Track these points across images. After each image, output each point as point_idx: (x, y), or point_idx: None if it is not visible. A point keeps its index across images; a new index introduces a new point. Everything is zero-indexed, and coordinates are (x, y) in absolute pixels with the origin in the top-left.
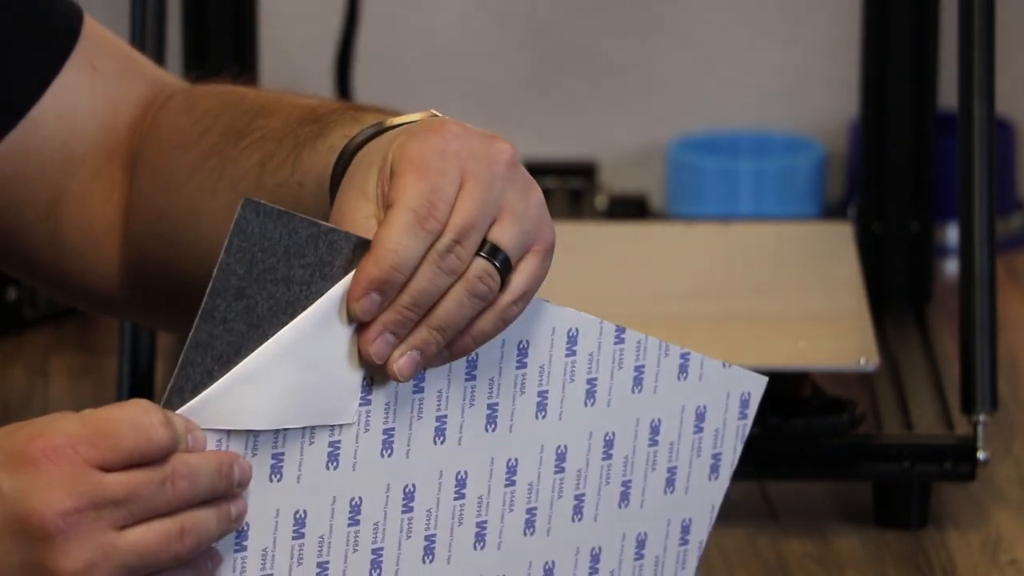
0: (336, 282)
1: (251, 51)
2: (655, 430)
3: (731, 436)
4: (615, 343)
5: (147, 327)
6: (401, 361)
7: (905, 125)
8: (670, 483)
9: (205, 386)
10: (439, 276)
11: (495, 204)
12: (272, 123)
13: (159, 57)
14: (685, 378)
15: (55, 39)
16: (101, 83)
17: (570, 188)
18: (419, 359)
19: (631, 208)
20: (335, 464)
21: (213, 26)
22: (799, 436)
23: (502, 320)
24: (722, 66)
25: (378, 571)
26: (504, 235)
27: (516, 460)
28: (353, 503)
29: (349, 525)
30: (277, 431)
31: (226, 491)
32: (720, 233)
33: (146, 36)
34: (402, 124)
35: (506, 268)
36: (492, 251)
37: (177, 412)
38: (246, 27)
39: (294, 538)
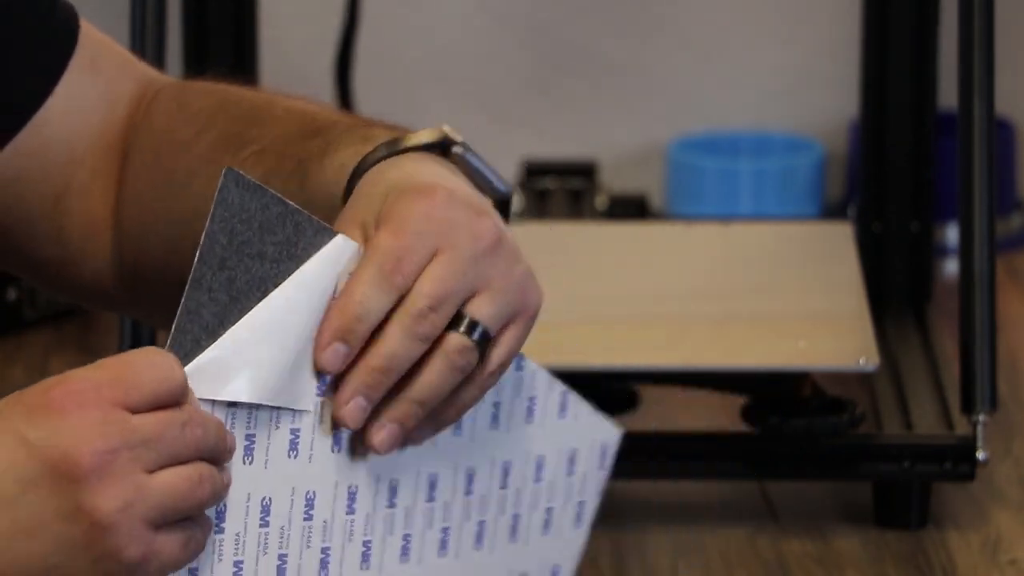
0: (300, 264)
1: (251, 51)
2: (540, 466)
3: (593, 485)
4: (516, 369)
5: (147, 323)
6: (381, 434)
7: (905, 125)
8: (547, 524)
9: (195, 355)
10: (411, 341)
11: (473, 277)
12: (271, 132)
13: (159, 57)
14: (564, 417)
15: (56, 40)
16: (102, 82)
17: (570, 188)
18: (399, 432)
19: (631, 208)
20: (295, 453)
21: (213, 26)
22: (799, 436)
23: (482, 390)
24: (722, 66)
25: (325, 572)
26: (483, 310)
27: (436, 476)
28: (308, 496)
29: (304, 519)
30: (250, 411)
31: (227, 451)
32: (720, 233)
33: (146, 36)
34: (416, 145)
35: (484, 342)
36: (471, 326)
37: None
38: (246, 27)
39: (261, 526)
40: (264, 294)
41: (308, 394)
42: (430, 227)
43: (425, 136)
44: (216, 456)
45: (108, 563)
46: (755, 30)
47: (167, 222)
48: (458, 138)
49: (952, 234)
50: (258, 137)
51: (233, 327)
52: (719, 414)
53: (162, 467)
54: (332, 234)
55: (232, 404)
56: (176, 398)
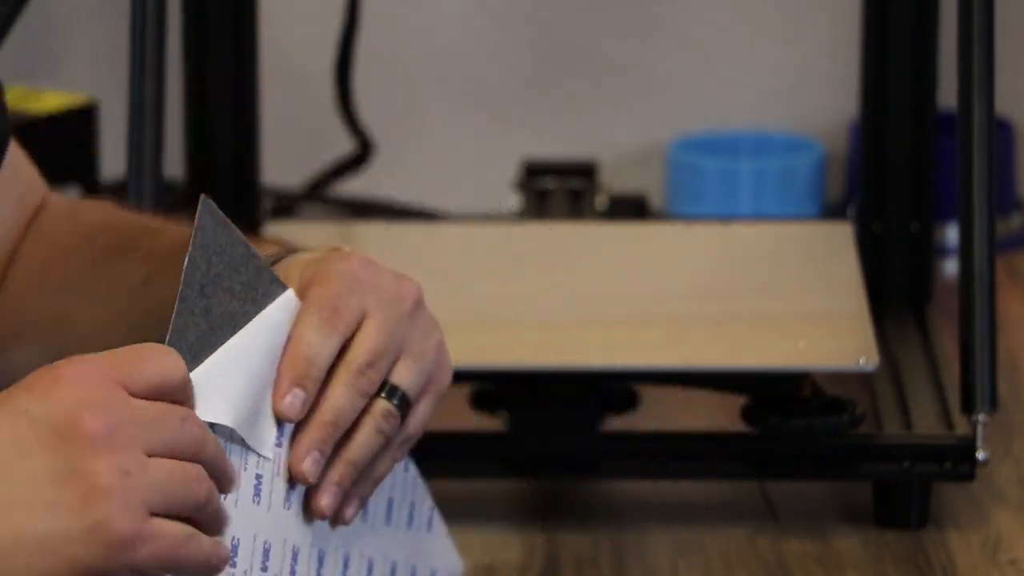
0: (260, 310)
1: (251, 51)
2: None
3: None
4: (404, 470)
5: None
6: (327, 497)
7: (905, 125)
8: None
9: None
10: (354, 396)
11: (399, 340)
12: (157, 242)
13: (159, 57)
14: (431, 533)
15: None
16: (19, 186)
17: (570, 188)
18: (340, 495)
19: (631, 208)
20: (258, 499)
21: (213, 26)
22: (799, 436)
23: (393, 460)
24: (722, 66)
25: None
26: (405, 376)
27: (349, 557)
28: (265, 547)
29: (261, 570)
30: (225, 445)
31: (228, 477)
32: (720, 233)
33: (146, 36)
34: (306, 252)
35: (404, 409)
36: (392, 391)
37: None
38: (246, 27)
39: (231, 567)
40: (235, 330)
41: (268, 442)
42: (357, 285)
43: (317, 253)
44: (216, 471)
45: (100, 534)
46: (755, 30)
47: (44, 325)
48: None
49: (952, 234)
50: (146, 245)
51: (211, 355)
52: (719, 414)
53: (161, 456)
54: (283, 287)
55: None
56: (178, 394)
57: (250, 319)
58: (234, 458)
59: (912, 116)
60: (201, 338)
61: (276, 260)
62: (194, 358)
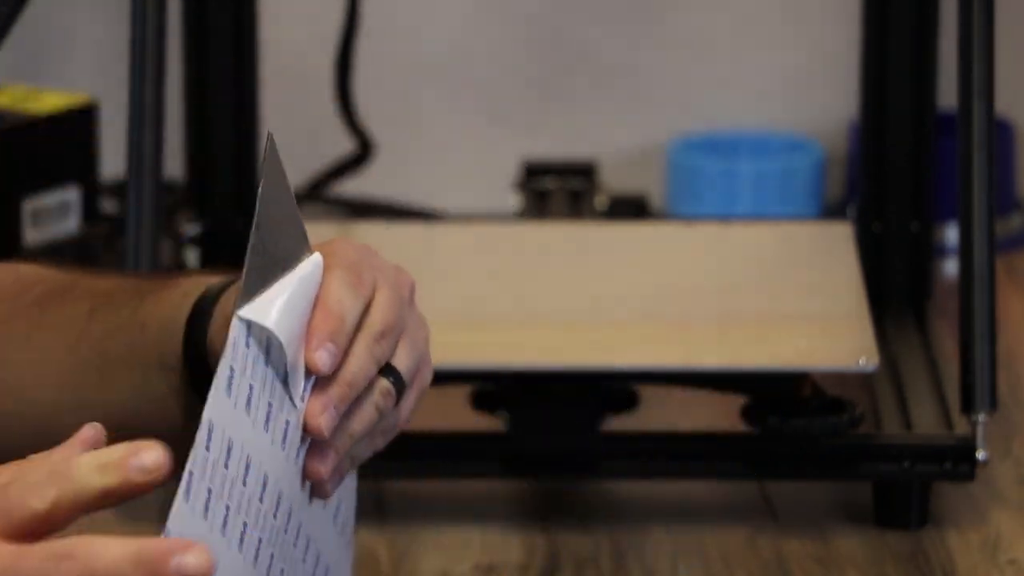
0: (299, 263)
1: (251, 51)
2: None
3: None
4: (350, 479)
5: None
6: (327, 463)
7: (905, 125)
8: None
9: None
10: (371, 361)
11: (403, 322)
12: (98, 284)
13: (159, 57)
14: (348, 549)
15: None
16: None
17: (570, 188)
18: (335, 461)
19: (631, 208)
20: (284, 446)
21: (213, 26)
22: (799, 436)
23: (373, 448)
24: (722, 66)
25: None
26: (402, 360)
27: (310, 535)
28: (274, 490)
29: (258, 501)
30: (271, 385)
31: None
32: (720, 233)
33: (146, 36)
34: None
35: (399, 392)
36: (389, 370)
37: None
38: (246, 27)
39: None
40: (284, 273)
41: (299, 392)
42: (369, 260)
43: None
44: None
45: None
46: (755, 30)
47: None
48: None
49: (952, 234)
50: (84, 287)
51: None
52: (719, 414)
53: None
54: (311, 249)
55: (266, 363)
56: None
57: (292, 269)
58: (274, 399)
59: (912, 116)
60: (263, 266)
61: (230, 283)
62: (262, 285)
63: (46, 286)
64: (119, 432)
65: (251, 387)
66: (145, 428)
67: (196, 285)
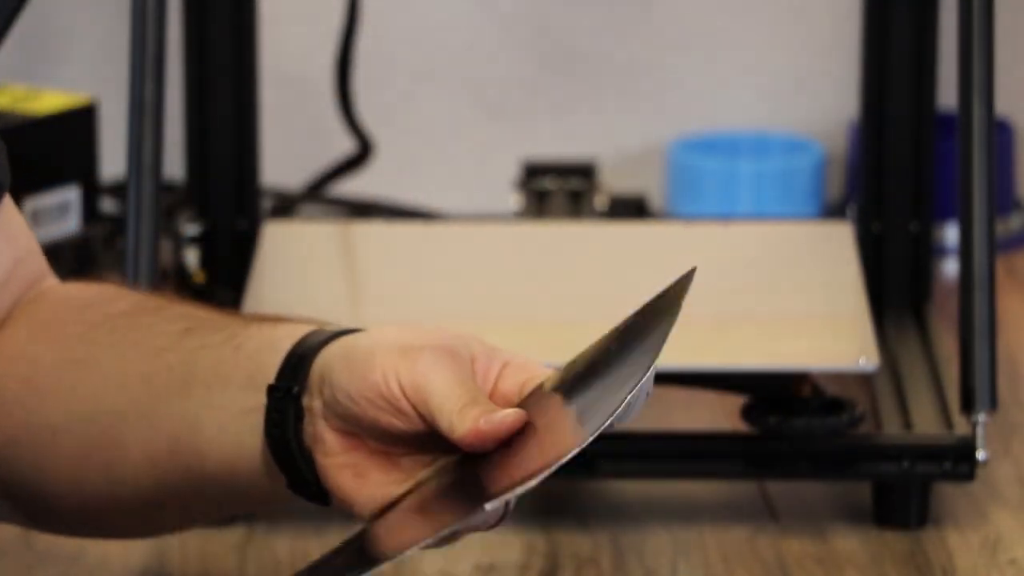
0: None
1: (251, 51)
2: None
3: None
4: None
5: None
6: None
7: (905, 125)
8: None
9: None
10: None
11: None
12: (197, 310)
13: (159, 57)
14: None
15: None
16: (15, 251)
17: (570, 188)
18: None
19: (631, 208)
20: None
21: (213, 26)
22: (799, 436)
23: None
24: (722, 66)
25: None
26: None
27: None
28: None
29: None
30: None
31: None
32: (720, 233)
33: (146, 36)
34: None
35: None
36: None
37: None
38: (246, 27)
39: None
40: None
41: None
42: None
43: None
44: None
45: None
46: (755, 30)
47: (42, 368)
48: None
49: (952, 234)
50: (179, 309)
51: None
52: (719, 414)
53: None
54: None
55: None
56: None
57: None
58: None
59: (912, 116)
60: None
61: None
62: None
63: (134, 301)
64: (165, 457)
65: None
66: (199, 450)
67: (301, 327)
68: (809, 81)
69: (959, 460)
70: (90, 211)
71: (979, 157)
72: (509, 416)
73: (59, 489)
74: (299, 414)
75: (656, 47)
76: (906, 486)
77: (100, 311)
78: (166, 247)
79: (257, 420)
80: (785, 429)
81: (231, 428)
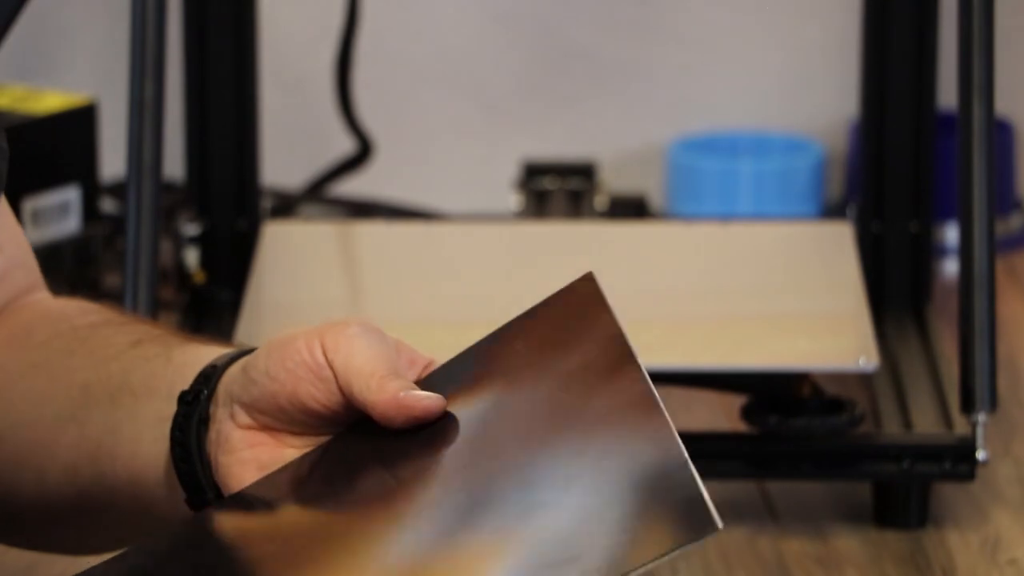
0: None
1: (251, 51)
2: None
3: None
4: None
5: None
6: None
7: (905, 125)
8: None
9: None
10: None
11: None
12: (159, 328)
13: (159, 57)
14: None
15: None
16: (1, 263)
17: (570, 188)
18: None
19: (631, 208)
20: None
21: (213, 26)
22: (799, 436)
23: None
24: (722, 66)
25: None
26: None
27: None
28: None
29: None
30: None
31: None
32: (720, 233)
33: (146, 36)
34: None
35: None
36: None
37: None
38: (246, 27)
39: None
40: None
41: None
42: None
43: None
44: None
45: None
46: (755, 30)
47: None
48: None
49: (952, 234)
50: (144, 327)
51: None
52: (719, 414)
53: None
54: None
55: None
56: None
57: None
58: None
59: (912, 116)
60: None
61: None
62: None
63: (105, 315)
64: (96, 461)
65: None
66: (112, 457)
67: (235, 348)
68: (809, 81)
69: (959, 460)
70: (90, 211)
71: (979, 157)
72: (431, 399)
73: (5, 499)
74: (204, 418)
75: (656, 47)
76: (906, 486)
77: (70, 322)
78: (166, 247)
79: (167, 428)
80: (785, 429)
81: (144, 436)
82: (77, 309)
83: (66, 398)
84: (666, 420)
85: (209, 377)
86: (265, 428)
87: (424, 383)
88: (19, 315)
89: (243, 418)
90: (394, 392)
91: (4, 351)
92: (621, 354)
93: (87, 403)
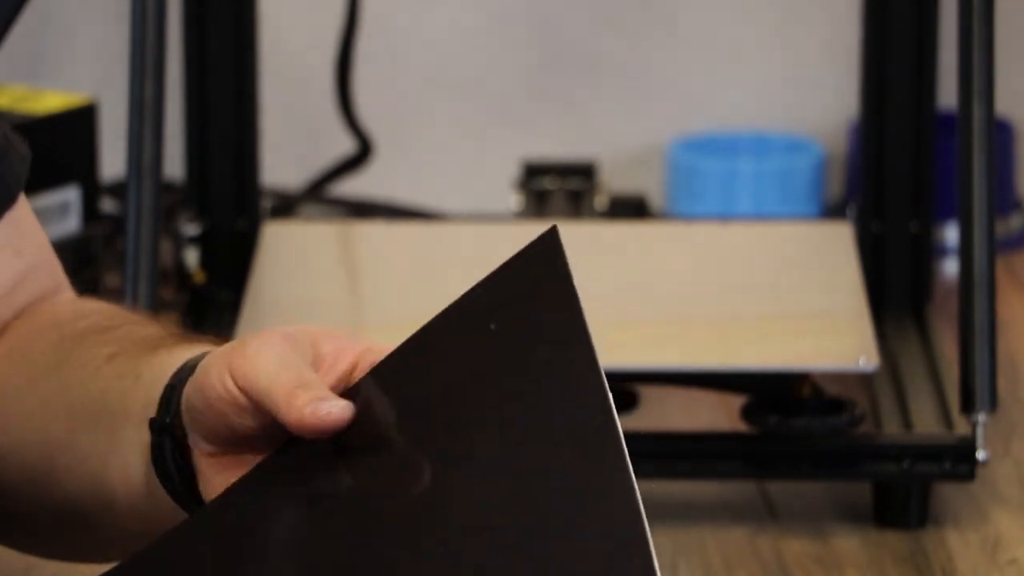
0: None
1: (251, 51)
2: None
3: None
4: None
5: None
6: None
7: (905, 125)
8: None
9: None
10: None
11: None
12: (139, 331)
13: (159, 57)
14: None
15: None
16: (20, 264)
17: (570, 188)
18: None
19: (631, 208)
20: None
21: (213, 26)
22: (799, 436)
23: None
24: (722, 66)
25: None
26: None
27: None
28: None
29: None
30: None
31: None
32: (720, 233)
33: (146, 36)
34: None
35: None
36: None
37: None
38: (246, 27)
39: None
40: None
41: None
42: None
43: None
44: None
45: None
46: (755, 30)
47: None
48: None
49: (952, 234)
50: (129, 331)
51: None
52: (719, 414)
53: None
54: None
55: None
56: None
57: None
58: None
59: (912, 116)
60: None
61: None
62: None
63: (98, 319)
64: (88, 489)
65: None
66: (112, 490)
67: (195, 349)
68: (809, 81)
69: (959, 460)
70: (90, 211)
71: (979, 157)
72: (339, 409)
73: (7, 509)
74: (180, 441)
75: (656, 47)
76: (906, 486)
77: (68, 328)
78: (166, 247)
79: (148, 455)
80: (785, 429)
81: (130, 462)
82: (72, 314)
83: (57, 423)
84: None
85: (169, 400)
86: (227, 452)
87: (372, 373)
88: (32, 321)
89: (204, 446)
90: (299, 409)
91: (5, 365)
92: (572, 333)
93: (75, 428)
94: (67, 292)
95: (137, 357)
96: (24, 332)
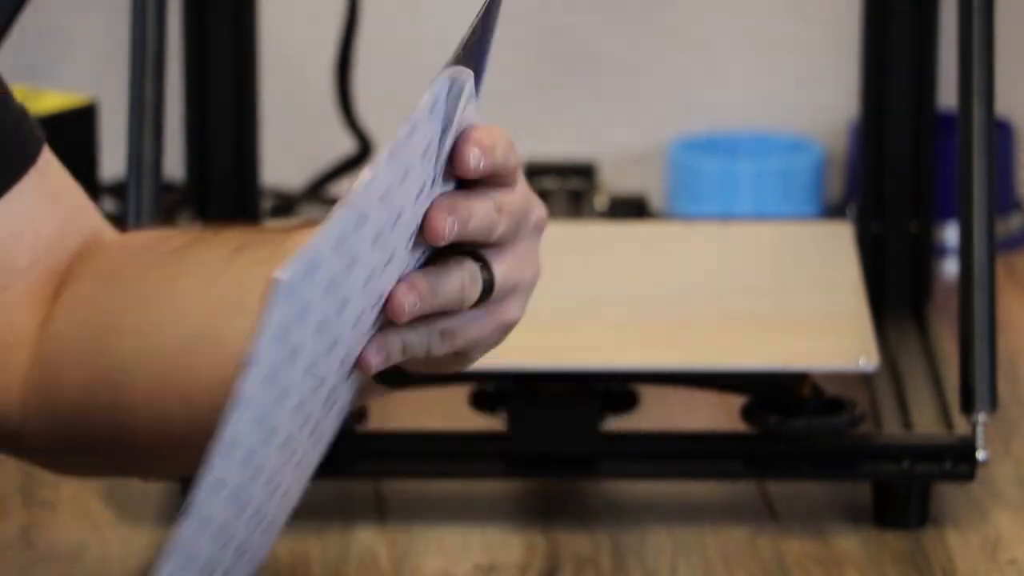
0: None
1: (251, 51)
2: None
3: None
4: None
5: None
6: (409, 296)
7: (905, 125)
8: None
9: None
10: (491, 211)
11: (520, 228)
12: (250, 230)
13: (159, 57)
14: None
15: (13, 151)
16: (60, 212)
17: (570, 188)
18: (415, 304)
19: (631, 208)
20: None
21: (213, 26)
22: (799, 436)
23: (426, 346)
24: (722, 66)
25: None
26: (503, 271)
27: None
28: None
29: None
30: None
31: None
32: (720, 233)
33: (146, 36)
34: None
35: (485, 295)
36: (487, 268)
37: None
38: (246, 27)
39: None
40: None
41: (426, 191)
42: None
43: None
44: None
45: None
46: (755, 30)
47: (107, 313)
48: None
49: (952, 234)
50: (232, 233)
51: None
52: (719, 414)
53: None
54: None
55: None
56: None
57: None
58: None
59: (912, 116)
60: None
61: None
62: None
63: (186, 237)
64: (233, 377)
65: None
66: None
67: None
68: (809, 81)
69: (959, 460)
70: None
71: (979, 157)
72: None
73: (140, 426)
74: None
75: (656, 47)
76: (906, 486)
77: (154, 252)
78: None
79: None
80: (785, 429)
81: None
82: (153, 238)
83: (186, 323)
84: None
85: None
86: None
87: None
88: (100, 257)
89: None
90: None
91: (97, 292)
92: None
93: (213, 323)
94: (109, 231)
95: (269, 244)
96: (108, 262)
